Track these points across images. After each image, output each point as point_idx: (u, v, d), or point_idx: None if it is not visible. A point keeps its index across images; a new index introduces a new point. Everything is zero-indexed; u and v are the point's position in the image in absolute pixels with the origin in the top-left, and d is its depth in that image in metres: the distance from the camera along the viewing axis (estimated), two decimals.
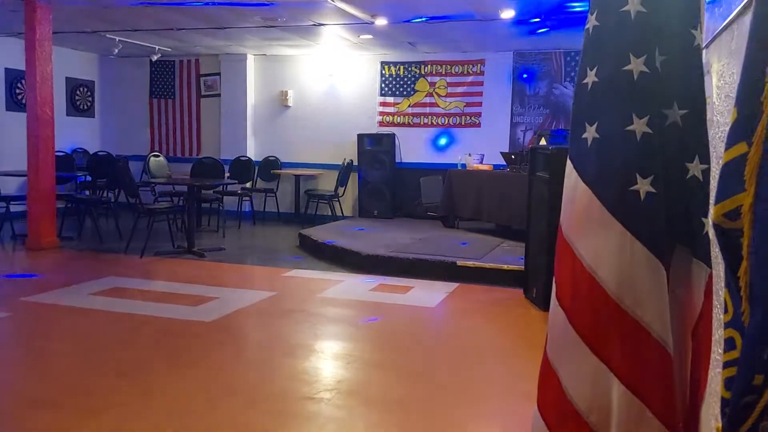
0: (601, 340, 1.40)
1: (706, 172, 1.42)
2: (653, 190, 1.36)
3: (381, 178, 9.17)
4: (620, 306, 1.37)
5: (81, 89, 10.24)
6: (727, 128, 1.84)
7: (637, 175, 1.36)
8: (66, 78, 9.83)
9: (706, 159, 1.42)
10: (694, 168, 1.41)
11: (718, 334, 1.68)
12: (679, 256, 1.44)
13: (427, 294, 5.46)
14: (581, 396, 1.42)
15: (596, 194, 1.41)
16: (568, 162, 1.49)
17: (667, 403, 1.36)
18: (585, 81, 1.45)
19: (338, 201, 9.35)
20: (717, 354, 1.73)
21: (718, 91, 1.98)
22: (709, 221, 1.43)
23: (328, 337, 4.46)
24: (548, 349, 1.52)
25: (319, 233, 7.46)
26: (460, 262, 6.00)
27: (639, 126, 1.36)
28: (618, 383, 1.38)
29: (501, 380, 3.64)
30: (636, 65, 1.36)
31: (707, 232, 1.42)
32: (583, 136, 1.44)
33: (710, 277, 1.43)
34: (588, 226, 1.42)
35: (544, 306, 4.97)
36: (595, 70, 1.43)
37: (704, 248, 1.43)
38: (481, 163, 8.20)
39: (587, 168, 1.43)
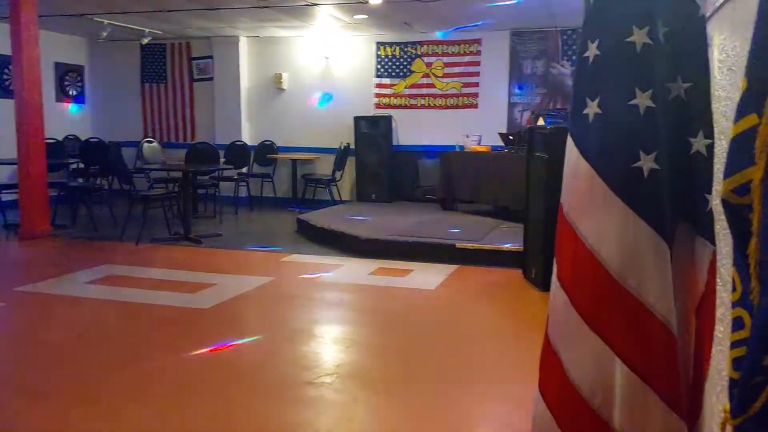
0: (604, 322, 1.37)
1: (710, 148, 1.38)
2: (657, 167, 1.32)
3: (378, 161, 9.10)
4: (623, 286, 1.34)
5: (70, 74, 10.11)
6: (730, 102, 1.80)
7: (641, 152, 1.32)
8: (55, 63, 9.70)
9: (710, 134, 1.38)
10: (698, 143, 1.37)
11: (720, 312, 1.65)
12: (682, 233, 1.40)
13: (427, 277, 5.43)
14: (584, 378, 1.39)
15: (598, 172, 1.36)
16: (569, 139, 1.45)
17: (671, 384, 1.33)
18: (586, 54, 1.40)
19: (336, 185, 9.29)
20: (718, 332, 1.70)
21: (719, 65, 1.93)
22: (713, 198, 1.39)
23: (327, 321, 4.44)
24: (549, 331, 1.49)
25: (317, 218, 7.42)
26: (459, 244, 5.97)
27: (642, 100, 1.32)
28: (621, 365, 1.34)
29: (502, 361, 3.62)
30: (639, 37, 1.32)
31: (711, 209, 1.39)
32: (585, 111, 1.39)
33: (714, 254, 1.39)
34: (590, 205, 1.38)
35: (544, 287, 4.95)
36: (596, 42, 1.38)
37: (708, 225, 1.39)
38: (478, 144, 8.14)
39: (589, 145, 1.39)
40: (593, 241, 1.37)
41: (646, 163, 1.31)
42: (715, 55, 2.01)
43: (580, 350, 1.39)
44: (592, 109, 1.38)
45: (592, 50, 1.38)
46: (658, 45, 1.34)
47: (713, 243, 1.38)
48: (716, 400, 1.67)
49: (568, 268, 1.44)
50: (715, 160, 1.40)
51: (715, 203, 1.42)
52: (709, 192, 1.38)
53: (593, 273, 1.37)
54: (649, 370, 1.33)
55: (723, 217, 1.65)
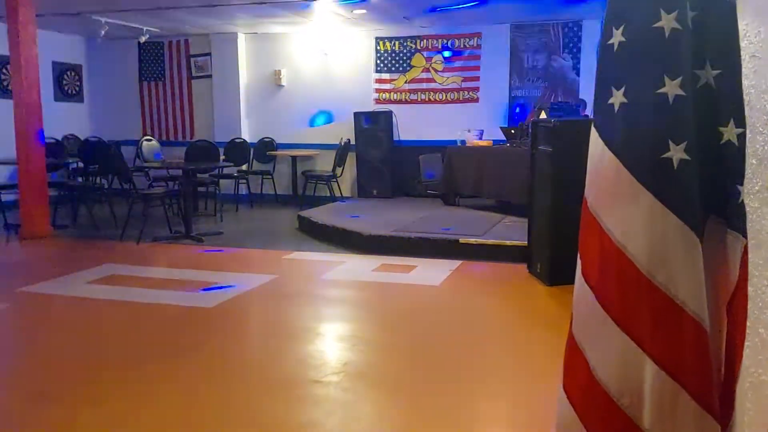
0: (633, 319, 1.31)
1: (742, 137, 1.32)
2: (687, 158, 1.27)
3: (379, 156, 9.04)
4: (652, 282, 1.29)
5: (68, 73, 10.04)
6: (754, 91, 1.75)
7: (670, 142, 1.27)
8: (52, 62, 9.62)
9: (741, 122, 1.33)
10: (729, 132, 1.32)
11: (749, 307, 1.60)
12: (712, 227, 1.35)
13: (431, 272, 5.38)
14: (612, 378, 1.34)
15: (624, 163, 1.31)
16: (593, 130, 1.40)
17: (704, 383, 1.28)
18: (610, 42, 1.35)
19: (336, 181, 9.23)
20: (747, 328, 1.65)
21: (742, 53, 1.88)
22: (745, 189, 1.34)
23: (333, 319, 4.39)
24: (574, 329, 1.44)
25: (319, 214, 7.37)
26: (462, 240, 5.93)
27: (671, 88, 1.26)
28: (651, 363, 1.29)
29: (510, 357, 3.58)
30: (667, 22, 1.26)
31: (743, 201, 1.33)
32: (609, 101, 1.34)
33: (746, 248, 1.34)
34: (616, 198, 1.33)
35: (549, 281, 4.91)
36: (621, 29, 1.32)
37: (739, 217, 1.34)
38: (480, 138, 8.08)
39: (614, 136, 1.33)
40: (620, 236, 1.32)
41: (676, 153, 1.26)
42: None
43: (607, 348, 1.34)
44: (617, 98, 1.32)
45: (617, 37, 1.33)
46: (686, 30, 1.28)
47: (745, 236, 1.33)
48: (743, 397, 1.63)
49: (593, 263, 1.38)
50: (749, 149, 1.35)
51: (746, 194, 1.37)
52: (741, 183, 1.32)
53: (620, 268, 1.32)
54: (680, 369, 1.28)
55: (748, 209, 1.61)
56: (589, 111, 7.58)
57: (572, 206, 4.79)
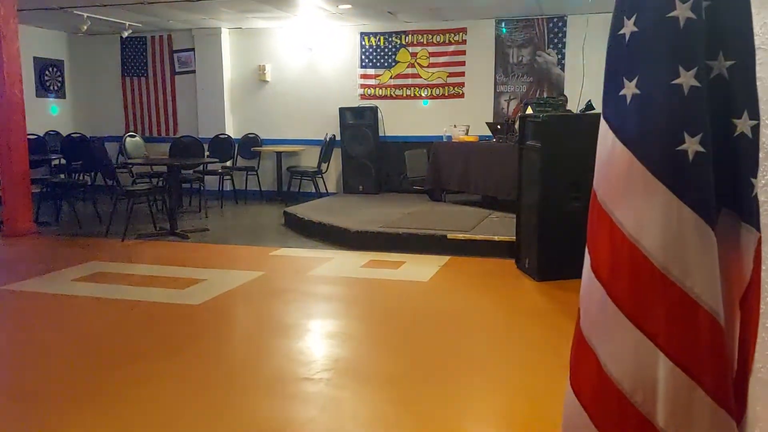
0: (646, 314, 1.29)
1: (756, 129, 1.31)
2: (702, 150, 1.24)
3: (365, 152, 8.98)
4: (667, 277, 1.26)
5: (50, 69, 9.86)
6: (761, 83, 1.73)
7: (685, 134, 1.24)
8: (34, 58, 9.44)
9: (755, 114, 1.31)
10: (743, 124, 1.30)
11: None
12: (725, 220, 1.34)
13: (420, 268, 5.36)
14: (624, 374, 1.31)
15: (637, 156, 1.29)
16: (602, 122, 1.37)
17: (720, 379, 1.27)
18: (621, 32, 1.32)
19: (322, 177, 9.17)
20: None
21: None
22: (759, 182, 1.32)
23: (322, 315, 4.35)
24: (583, 325, 1.41)
25: (305, 210, 7.31)
26: (450, 235, 5.91)
27: (686, 79, 1.24)
28: (665, 359, 1.27)
29: (501, 353, 3.57)
30: (682, 11, 1.23)
31: (756, 194, 1.32)
32: (621, 92, 1.31)
33: (759, 241, 1.32)
34: (628, 191, 1.30)
35: (538, 276, 4.91)
36: (633, 18, 1.29)
37: (753, 211, 1.32)
38: (466, 134, 8.07)
39: (626, 127, 1.31)
40: (632, 230, 1.29)
41: (692, 145, 1.24)
42: None
43: (619, 344, 1.31)
44: (629, 90, 1.30)
45: (629, 27, 1.30)
46: (700, 20, 1.26)
47: (759, 229, 1.32)
48: (754, 393, 1.62)
49: (604, 258, 1.36)
50: (763, 141, 1.34)
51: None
52: (755, 176, 1.31)
53: (633, 263, 1.29)
54: (695, 364, 1.26)
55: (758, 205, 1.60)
56: (570, 106, 7.60)
57: (562, 201, 4.82)
